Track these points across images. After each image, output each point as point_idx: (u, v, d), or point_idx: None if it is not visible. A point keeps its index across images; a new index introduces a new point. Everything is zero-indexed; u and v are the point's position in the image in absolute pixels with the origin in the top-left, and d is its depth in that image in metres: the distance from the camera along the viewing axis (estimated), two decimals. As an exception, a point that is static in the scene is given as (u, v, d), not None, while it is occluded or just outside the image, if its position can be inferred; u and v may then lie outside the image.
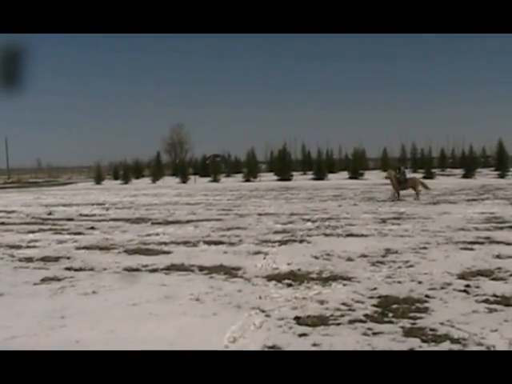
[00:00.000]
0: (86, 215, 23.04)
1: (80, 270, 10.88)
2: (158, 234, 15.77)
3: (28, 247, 13.98)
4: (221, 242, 13.90)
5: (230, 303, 8.04)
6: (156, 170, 72.17)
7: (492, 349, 6.11)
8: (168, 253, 12.52)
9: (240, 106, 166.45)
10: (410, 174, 31.38)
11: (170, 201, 31.34)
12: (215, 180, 65.53)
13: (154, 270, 10.61)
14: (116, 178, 74.28)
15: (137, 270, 10.73)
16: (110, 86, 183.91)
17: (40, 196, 41.65)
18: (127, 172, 72.79)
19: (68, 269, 10.99)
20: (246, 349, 6.17)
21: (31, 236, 16.13)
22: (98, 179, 71.18)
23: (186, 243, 13.88)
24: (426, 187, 28.96)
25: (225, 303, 8.05)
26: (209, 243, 13.76)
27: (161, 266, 10.95)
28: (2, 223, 20.39)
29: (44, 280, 10.01)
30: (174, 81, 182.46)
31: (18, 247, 13.97)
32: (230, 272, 10.26)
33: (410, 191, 28.55)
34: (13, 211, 26.30)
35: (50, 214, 24.24)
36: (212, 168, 70.12)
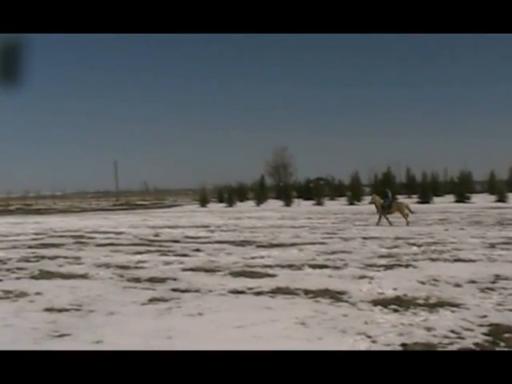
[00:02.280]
0: (192, 237, 23.44)
1: (186, 291, 11.04)
2: (262, 257, 15.85)
3: (136, 268, 14.33)
4: (325, 266, 13.84)
5: (335, 328, 7.97)
6: (260, 193, 72.69)
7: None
8: (273, 276, 12.56)
9: (343, 131, 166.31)
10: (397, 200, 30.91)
11: (274, 224, 31.46)
12: (319, 203, 65.42)
13: (259, 293, 10.65)
14: (220, 201, 75.24)
15: (242, 292, 10.79)
16: (213, 112, 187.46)
17: (147, 218, 42.69)
18: (231, 195, 73.61)
19: (174, 290, 11.18)
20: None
21: (139, 257, 16.54)
22: (203, 202, 72.31)
23: (290, 266, 13.89)
24: (410, 211, 28.79)
25: (330, 327, 7.98)
26: (313, 267, 13.73)
27: (266, 288, 10.99)
28: (112, 244, 21.00)
29: (151, 300, 10.21)
30: (275, 105, 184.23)
31: (127, 268, 14.35)
32: (335, 296, 10.18)
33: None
34: (121, 232, 27.08)
35: (156, 235, 24.79)
36: (316, 191, 70.07)
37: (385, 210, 29.01)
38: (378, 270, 13.04)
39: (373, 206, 30.17)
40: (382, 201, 29.34)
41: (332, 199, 70.93)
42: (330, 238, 21.71)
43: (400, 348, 7.00)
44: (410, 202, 62.66)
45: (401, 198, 63.70)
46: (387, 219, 28.71)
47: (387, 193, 30.04)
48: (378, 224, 28.63)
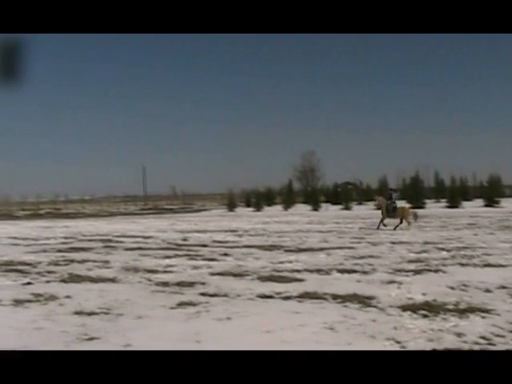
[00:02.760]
0: (220, 242, 23.48)
1: (214, 295, 11.05)
2: (290, 262, 15.83)
3: (164, 272, 14.39)
4: (354, 271, 13.79)
5: (364, 333, 7.92)
6: (288, 198, 72.65)
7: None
8: (301, 280, 12.53)
9: (371, 133, 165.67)
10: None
11: (302, 228, 31.42)
12: (347, 208, 65.24)
13: (288, 298, 10.63)
14: (248, 205, 75.29)
15: (270, 296, 10.78)
16: (241, 117, 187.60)
17: (175, 222, 42.86)
18: (259, 199, 73.67)
19: (203, 294, 11.20)
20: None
21: (167, 261, 16.60)
22: (231, 206, 72.41)
23: (318, 271, 13.86)
24: (415, 217, 28.90)
25: (359, 333, 7.93)
26: (342, 271, 13.69)
27: (294, 293, 10.97)
28: (140, 248, 21.10)
29: (180, 304, 10.23)
30: (304, 108, 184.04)
31: (155, 272, 14.41)
32: (364, 301, 10.13)
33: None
34: (150, 236, 27.21)
35: (184, 239, 24.87)
36: (343, 195, 69.91)
37: (389, 213, 28.95)
38: (407, 275, 12.96)
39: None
40: (387, 202, 29.26)
41: (360, 204, 70.64)
42: (358, 242, 21.63)
43: (430, 354, 6.95)
44: (439, 206, 62.46)
45: (428, 203, 63.47)
46: (382, 223, 28.89)
47: (391, 194, 30.18)
48: (378, 227, 28.78)
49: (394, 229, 27.77)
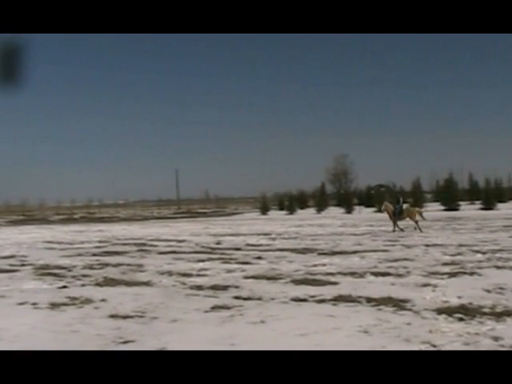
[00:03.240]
0: (253, 245, 23.51)
1: (248, 299, 11.06)
2: (324, 265, 15.79)
3: (198, 275, 14.43)
4: (388, 274, 13.70)
5: (398, 336, 7.86)
6: (320, 201, 72.65)
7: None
8: (335, 283, 12.49)
9: (404, 135, 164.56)
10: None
11: (335, 231, 31.35)
12: (380, 210, 64.78)
13: (322, 301, 10.59)
14: (281, 209, 75.40)
15: (304, 300, 10.76)
16: (273, 119, 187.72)
17: (208, 226, 43.02)
18: (292, 202, 73.76)
19: (236, 298, 11.21)
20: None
21: (201, 265, 16.66)
22: (264, 209, 72.57)
23: (352, 274, 13.80)
24: (422, 217, 29.85)
25: (393, 336, 7.87)
26: (376, 274, 13.61)
27: (328, 296, 10.92)
28: (174, 252, 21.20)
29: (214, 308, 10.24)
30: (337, 112, 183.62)
31: (189, 275, 14.45)
32: (398, 304, 10.05)
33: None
34: (183, 240, 27.34)
35: (218, 243, 24.94)
36: (377, 198, 69.55)
37: (396, 216, 29.87)
38: (442, 278, 12.84)
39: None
40: (393, 208, 30.26)
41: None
42: (392, 245, 21.51)
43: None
44: (473, 208, 61.87)
45: (463, 205, 62.93)
46: (397, 225, 29.80)
47: (398, 198, 31.35)
48: (394, 231, 29.33)
49: (401, 230, 29.04)
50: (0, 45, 4.51)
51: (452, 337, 7.76)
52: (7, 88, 4.77)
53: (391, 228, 30.07)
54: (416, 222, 29.25)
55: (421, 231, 28.22)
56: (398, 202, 30.76)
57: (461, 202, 64.09)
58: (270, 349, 7.16)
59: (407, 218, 30.09)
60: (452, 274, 13.35)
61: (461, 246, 20.30)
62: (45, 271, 16.11)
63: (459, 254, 17.76)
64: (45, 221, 79.31)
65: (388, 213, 30.78)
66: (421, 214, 30.47)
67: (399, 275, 13.46)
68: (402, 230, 29.36)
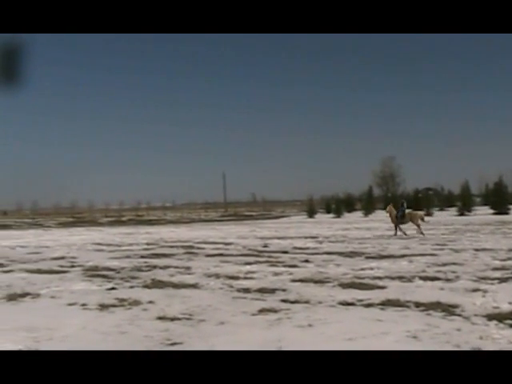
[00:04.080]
0: (300, 248, 23.47)
1: (295, 302, 11.02)
2: (372, 269, 15.67)
3: (245, 278, 14.44)
4: (436, 278, 13.53)
5: (448, 342, 7.74)
6: (368, 204, 72.20)
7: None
8: (382, 288, 12.38)
9: (453, 138, 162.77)
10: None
11: (383, 234, 31.13)
12: (428, 214, 64.19)
13: (369, 305, 10.51)
14: (328, 212, 75.20)
15: (352, 304, 10.68)
16: (320, 122, 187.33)
17: (255, 229, 43.07)
18: (339, 206, 73.48)
19: (284, 301, 11.18)
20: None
21: (248, 267, 16.67)
22: (311, 212, 72.49)
23: (400, 278, 13.67)
24: (423, 220, 30.41)
25: (443, 342, 7.75)
26: (424, 279, 13.45)
27: (376, 300, 10.83)
28: (221, 254, 21.27)
29: (261, 311, 10.23)
30: (384, 115, 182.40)
31: (236, 278, 14.48)
32: (448, 309, 9.91)
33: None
34: (230, 243, 27.42)
35: (265, 246, 24.96)
36: (424, 201, 68.91)
37: (398, 219, 30.34)
38: (492, 283, 12.63)
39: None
40: (396, 211, 30.67)
41: (441, 210, 69.51)
42: (441, 249, 21.26)
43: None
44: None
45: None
46: (400, 229, 30.17)
47: (403, 203, 31.74)
48: (395, 235, 29.86)
49: (404, 234, 29.48)
50: (0, 45, 4.54)
51: (503, 344, 7.62)
52: (7, 87, 4.80)
53: (399, 232, 30.24)
54: (418, 225, 29.71)
55: (423, 235, 28.74)
56: (401, 205, 31.22)
57: (511, 206, 63.04)
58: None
59: (409, 222, 30.52)
60: (503, 280, 13.13)
61: (511, 250, 19.95)
62: (94, 272, 16.31)
63: (510, 258, 17.47)
64: (94, 223, 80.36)
65: (390, 216, 31.15)
66: (423, 218, 31.00)
67: (448, 280, 13.29)
68: (405, 233, 29.57)
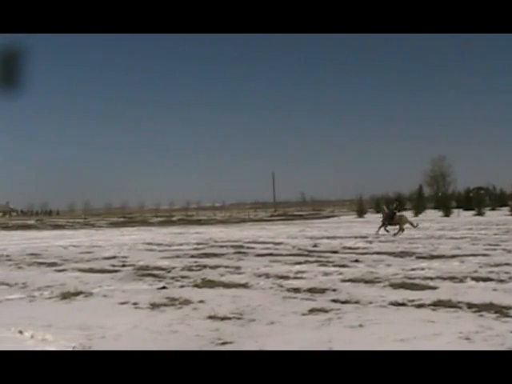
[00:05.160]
0: (350, 248, 23.36)
1: (346, 302, 10.97)
2: (422, 269, 15.50)
3: (295, 278, 14.43)
4: (489, 279, 13.32)
5: (502, 344, 7.61)
6: (418, 203, 71.47)
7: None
8: (434, 288, 12.24)
9: (505, 138, 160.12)
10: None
11: (433, 234, 30.79)
12: (479, 213, 63.35)
13: (420, 306, 10.40)
14: (378, 211, 74.54)
15: (403, 304, 10.59)
16: (368, 122, 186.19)
17: (305, 228, 43.02)
18: (389, 205, 72.79)
19: (334, 301, 11.14)
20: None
21: (298, 267, 16.64)
22: (360, 212, 72.02)
23: (452, 279, 13.50)
24: (412, 225, 32.08)
25: (497, 344, 7.62)
26: (476, 279, 13.26)
27: (427, 301, 10.71)
28: (271, 254, 21.27)
29: (311, 311, 10.21)
30: (433, 115, 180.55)
31: (286, 278, 14.47)
32: (501, 311, 9.74)
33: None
34: (280, 243, 27.42)
35: (315, 246, 24.91)
36: (476, 201, 67.96)
37: (387, 220, 31.98)
38: (548, 285, 12.40)
39: None
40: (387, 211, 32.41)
41: (493, 209, 68.44)
42: (493, 249, 20.94)
43: None
44: None
45: None
46: (385, 229, 31.62)
47: (394, 204, 34.47)
48: (377, 233, 31.65)
49: (396, 234, 30.67)
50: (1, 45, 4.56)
51: (558, 345, 7.49)
52: (7, 91, 4.81)
53: (381, 231, 31.72)
54: (402, 228, 31.18)
55: (399, 234, 30.62)
56: (393, 206, 33.41)
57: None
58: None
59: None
60: (558, 281, 12.88)
61: None
62: (145, 272, 16.46)
63: None
64: (144, 223, 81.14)
65: (383, 215, 32.76)
66: (412, 223, 32.38)
67: (501, 281, 13.08)
68: (387, 231, 31.20)
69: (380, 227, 32.08)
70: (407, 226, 31.71)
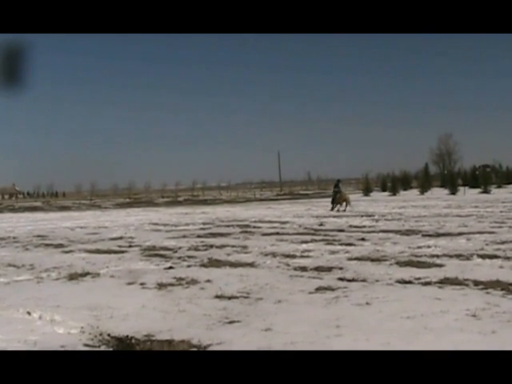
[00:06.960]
0: (356, 226, 23.36)
1: (352, 280, 10.99)
2: (429, 247, 15.49)
3: (302, 257, 14.46)
4: (496, 256, 13.31)
5: (509, 321, 7.62)
6: (424, 182, 71.39)
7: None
8: (440, 266, 12.25)
9: (509, 116, 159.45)
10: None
11: (440, 212, 30.76)
12: (485, 191, 63.26)
13: (427, 283, 10.42)
14: (384, 190, 74.65)
15: (409, 282, 10.60)
16: (377, 99, 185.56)
17: (310, 207, 43.09)
18: (395, 183, 72.84)
19: (341, 279, 11.16)
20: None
21: (304, 246, 16.67)
22: (366, 191, 71.99)
23: (458, 256, 13.50)
24: (348, 203, 35.44)
25: (504, 321, 7.64)
26: (483, 257, 13.24)
27: (434, 279, 10.72)
28: (277, 233, 21.31)
29: (318, 289, 10.24)
30: (440, 90, 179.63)
31: (293, 256, 14.50)
32: (508, 288, 9.73)
33: None
34: (286, 222, 27.47)
35: (321, 224, 24.93)
36: (482, 179, 67.81)
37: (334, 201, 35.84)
38: (554, 261, 12.40)
39: None
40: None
41: (499, 187, 68.33)
42: (499, 227, 20.90)
43: None
44: None
45: None
46: (335, 207, 35.67)
47: (337, 184, 37.14)
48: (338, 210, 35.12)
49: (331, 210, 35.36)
50: (1, 45, 4.53)
51: None
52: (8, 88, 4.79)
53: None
54: (339, 204, 35.29)
55: (332, 210, 35.10)
56: (335, 186, 36.91)
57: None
58: (373, 334, 7.15)
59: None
60: None
61: None
62: (152, 252, 16.51)
63: None
64: (150, 203, 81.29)
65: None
66: (346, 200, 35.61)
67: (508, 258, 13.06)
68: (338, 210, 34.89)
69: (332, 208, 35.61)
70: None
